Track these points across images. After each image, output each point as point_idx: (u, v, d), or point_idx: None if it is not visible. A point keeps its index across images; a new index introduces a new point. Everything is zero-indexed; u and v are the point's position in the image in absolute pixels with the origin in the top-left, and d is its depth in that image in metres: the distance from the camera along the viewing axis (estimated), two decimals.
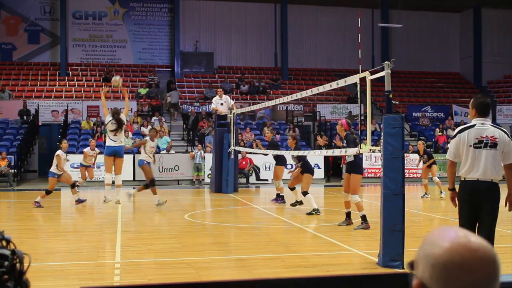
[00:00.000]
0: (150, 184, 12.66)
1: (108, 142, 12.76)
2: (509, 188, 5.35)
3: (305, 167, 11.80)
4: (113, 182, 13.14)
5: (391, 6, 30.28)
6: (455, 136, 5.38)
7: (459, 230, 1.27)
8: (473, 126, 5.27)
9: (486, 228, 5.21)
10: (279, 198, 13.71)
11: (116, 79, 12.90)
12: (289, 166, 16.50)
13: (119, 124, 12.54)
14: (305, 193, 11.42)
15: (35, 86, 26.24)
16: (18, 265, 1.53)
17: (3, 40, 28.10)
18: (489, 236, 5.16)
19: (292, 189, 12.39)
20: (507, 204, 5.36)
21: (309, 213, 11.38)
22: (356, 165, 9.67)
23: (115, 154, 12.75)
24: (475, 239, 1.25)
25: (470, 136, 5.24)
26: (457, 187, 5.49)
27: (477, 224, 5.30)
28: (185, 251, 7.87)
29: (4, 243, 1.55)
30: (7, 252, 1.52)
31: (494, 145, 5.22)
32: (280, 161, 13.77)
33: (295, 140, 12.21)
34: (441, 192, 14.79)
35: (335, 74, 28.85)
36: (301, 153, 11.64)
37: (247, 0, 30.21)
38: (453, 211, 6.09)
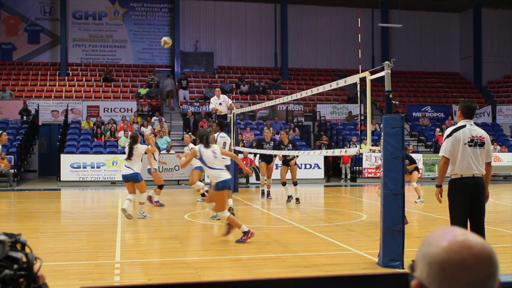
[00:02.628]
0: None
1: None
2: (487, 183, 5.85)
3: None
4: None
5: (391, 6, 30.28)
6: (450, 135, 5.75)
7: (458, 230, 1.27)
8: (464, 126, 5.75)
9: (480, 221, 5.74)
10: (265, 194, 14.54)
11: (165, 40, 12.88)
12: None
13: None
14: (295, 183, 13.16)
15: (35, 86, 26.25)
16: (33, 268, 1.53)
17: (3, 40, 28.10)
18: (482, 228, 5.76)
19: (284, 184, 13.26)
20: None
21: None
22: None
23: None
24: (473, 237, 1.24)
25: (464, 135, 5.70)
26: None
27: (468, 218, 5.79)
28: (185, 251, 7.87)
29: (19, 246, 1.56)
30: (19, 255, 1.52)
31: (482, 144, 5.74)
32: (264, 158, 14.31)
33: (287, 135, 13.45)
34: (419, 198, 13.47)
35: (335, 74, 28.86)
36: (296, 152, 11.75)
37: (247, 0, 30.22)
38: None
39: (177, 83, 27.16)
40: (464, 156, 5.66)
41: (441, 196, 6.02)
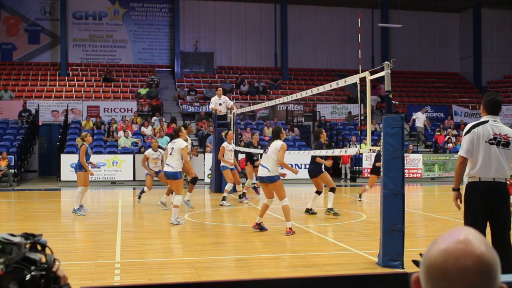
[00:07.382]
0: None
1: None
2: None
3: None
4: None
5: (391, 6, 30.29)
6: (469, 131, 5.02)
7: (463, 235, 1.21)
8: (486, 122, 5.01)
9: (504, 233, 4.98)
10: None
11: None
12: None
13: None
14: None
15: (35, 86, 26.24)
16: (53, 270, 1.53)
17: (3, 40, 28.10)
18: (506, 241, 4.95)
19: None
20: None
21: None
22: None
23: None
24: (472, 247, 1.18)
25: (485, 132, 4.96)
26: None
27: (488, 226, 5.03)
28: (185, 251, 7.88)
29: (39, 247, 1.56)
30: (37, 256, 1.52)
31: (507, 144, 4.97)
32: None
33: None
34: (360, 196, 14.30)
35: (335, 74, 28.85)
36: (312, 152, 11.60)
37: (247, 0, 30.22)
38: (454, 211, 6.08)
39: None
40: (482, 156, 4.90)
41: (460, 202, 5.09)
